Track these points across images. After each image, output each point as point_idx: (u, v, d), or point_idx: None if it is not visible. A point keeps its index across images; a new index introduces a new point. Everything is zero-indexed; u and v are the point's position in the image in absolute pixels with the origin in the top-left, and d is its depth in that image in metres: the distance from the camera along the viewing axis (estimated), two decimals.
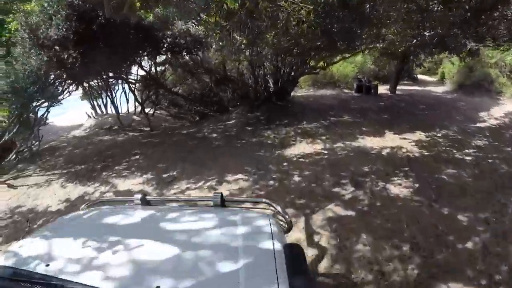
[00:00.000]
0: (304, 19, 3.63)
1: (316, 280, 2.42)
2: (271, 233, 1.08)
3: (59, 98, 9.83)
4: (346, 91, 12.00)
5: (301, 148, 6.26)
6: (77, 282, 0.86)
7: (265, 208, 1.73)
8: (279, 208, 1.49)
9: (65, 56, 5.16)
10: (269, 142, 6.71)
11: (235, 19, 3.37)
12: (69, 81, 6.71)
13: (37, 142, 8.39)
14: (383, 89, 12.13)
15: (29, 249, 1.08)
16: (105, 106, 13.11)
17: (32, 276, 0.89)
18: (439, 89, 12.56)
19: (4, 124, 6.08)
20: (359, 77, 12.22)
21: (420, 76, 15.84)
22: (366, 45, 6.73)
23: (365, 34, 5.39)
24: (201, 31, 7.01)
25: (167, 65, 11.72)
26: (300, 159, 5.55)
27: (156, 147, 6.88)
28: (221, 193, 1.51)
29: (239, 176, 4.86)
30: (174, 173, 5.16)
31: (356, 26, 4.56)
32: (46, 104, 7.68)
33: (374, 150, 5.72)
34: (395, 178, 4.45)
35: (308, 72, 10.14)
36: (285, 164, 5.33)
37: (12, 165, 6.79)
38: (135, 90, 11.96)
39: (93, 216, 1.39)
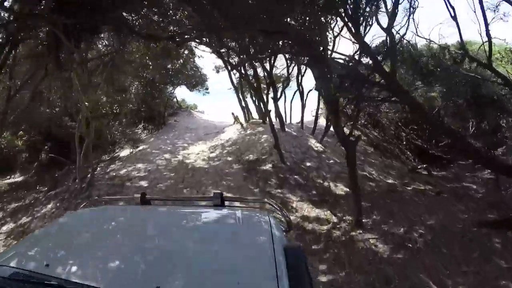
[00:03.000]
0: None
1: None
2: (271, 232, 1.04)
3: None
4: None
5: None
6: (77, 282, 0.80)
7: (265, 208, 1.47)
8: (279, 208, 1.42)
9: None
10: None
11: None
12: None
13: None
14: None
15: (29, 249, 1.05)
16: (263, 106, 7.99)
17: (32, 276, 0.85)
18: None
19: None
20: None
21: None
22: None
23: None
24: None
25: None
26: None
27: None
28: (221, 193, 1.40)
29: None
30: None
31: None
32: None
33: None
34: None
35: None
36: None
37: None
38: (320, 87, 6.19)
39: (93, 216, 1.35)
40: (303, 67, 8.18)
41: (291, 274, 0.82)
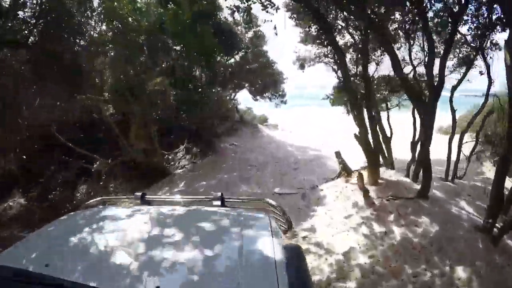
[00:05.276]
0: None
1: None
2: (271, 233, 1.03)
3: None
4: None
5: None
6: (77, 282, 0.81)
7: (265, 208, 1.40)
8: (279, 208, 1.41)
9: None
10: None
11: None
12: None
13: None
14: None
15: (29, 249, 1.05)
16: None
17: (32, 276, 0.84)
18: None
19: None
20: None
21: None
22: None
23: None
24: None
25: None
26: None
27: None
28: (221, 193, 1.42)
29: None
30: None
31: None
32: None
33: None
34: None
35: None
36: None
37: None
38: None
39: (92, 216, 1.33)
40: None
41: (291, 273, 0.83)
